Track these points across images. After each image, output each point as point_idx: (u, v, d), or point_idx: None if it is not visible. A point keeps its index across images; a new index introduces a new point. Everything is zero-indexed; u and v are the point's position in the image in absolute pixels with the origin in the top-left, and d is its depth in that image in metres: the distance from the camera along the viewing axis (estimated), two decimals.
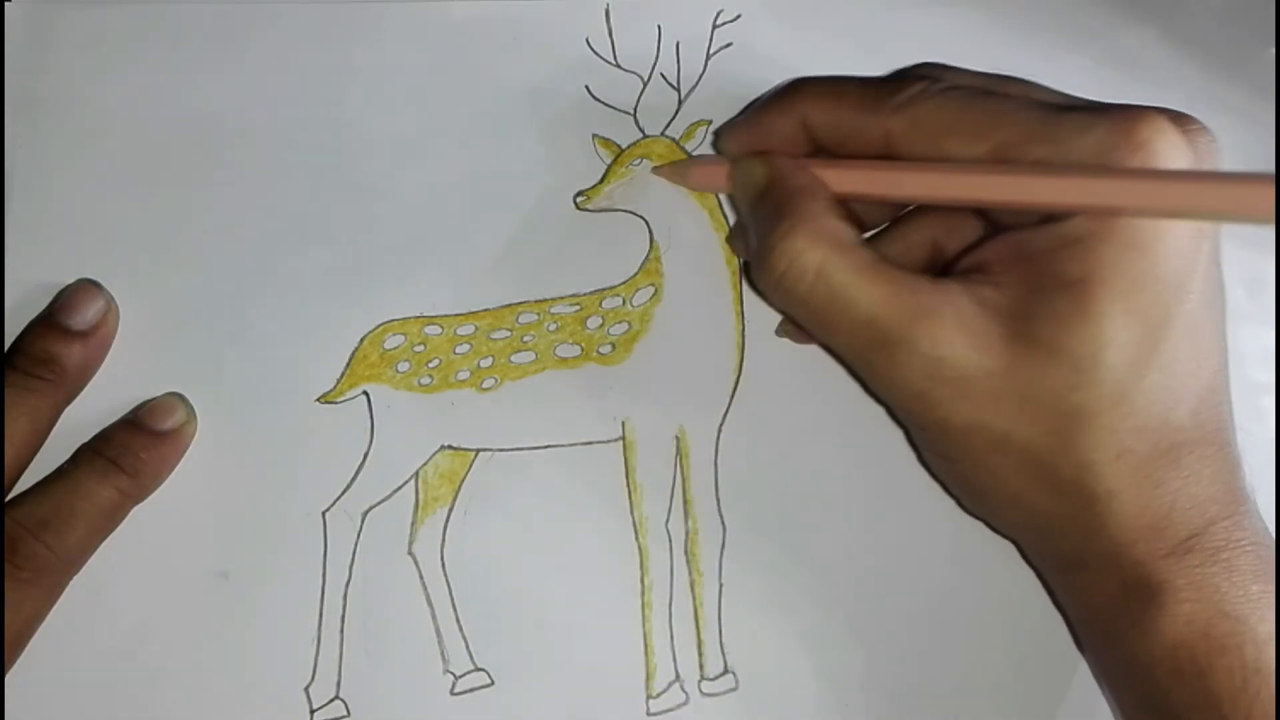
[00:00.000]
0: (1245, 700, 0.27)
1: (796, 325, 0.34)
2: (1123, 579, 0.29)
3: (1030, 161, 0.28)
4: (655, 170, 0.35)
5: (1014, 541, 0.33)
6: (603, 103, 0.36)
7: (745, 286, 0.35)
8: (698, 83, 0.36)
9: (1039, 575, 0.34)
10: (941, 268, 0.31)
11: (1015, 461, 0.29)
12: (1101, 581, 0.29)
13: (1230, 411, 0.30)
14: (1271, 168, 0.36)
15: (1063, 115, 0.28)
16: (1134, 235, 0.27)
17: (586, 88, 0.36)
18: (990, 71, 0.32)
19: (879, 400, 0.34)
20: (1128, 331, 0.27)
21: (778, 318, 0.35)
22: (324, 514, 0.34)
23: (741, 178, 0.32)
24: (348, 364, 0.35)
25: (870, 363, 0.29)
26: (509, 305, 0.35)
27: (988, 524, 0.33)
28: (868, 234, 0.34)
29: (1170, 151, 0.27)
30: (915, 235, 0.33)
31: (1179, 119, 0.28)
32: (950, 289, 0.29)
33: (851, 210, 0.31)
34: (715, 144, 0.35)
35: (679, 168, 0.35)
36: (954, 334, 0.28)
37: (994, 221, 0.31)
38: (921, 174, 0.30)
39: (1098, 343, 0.27)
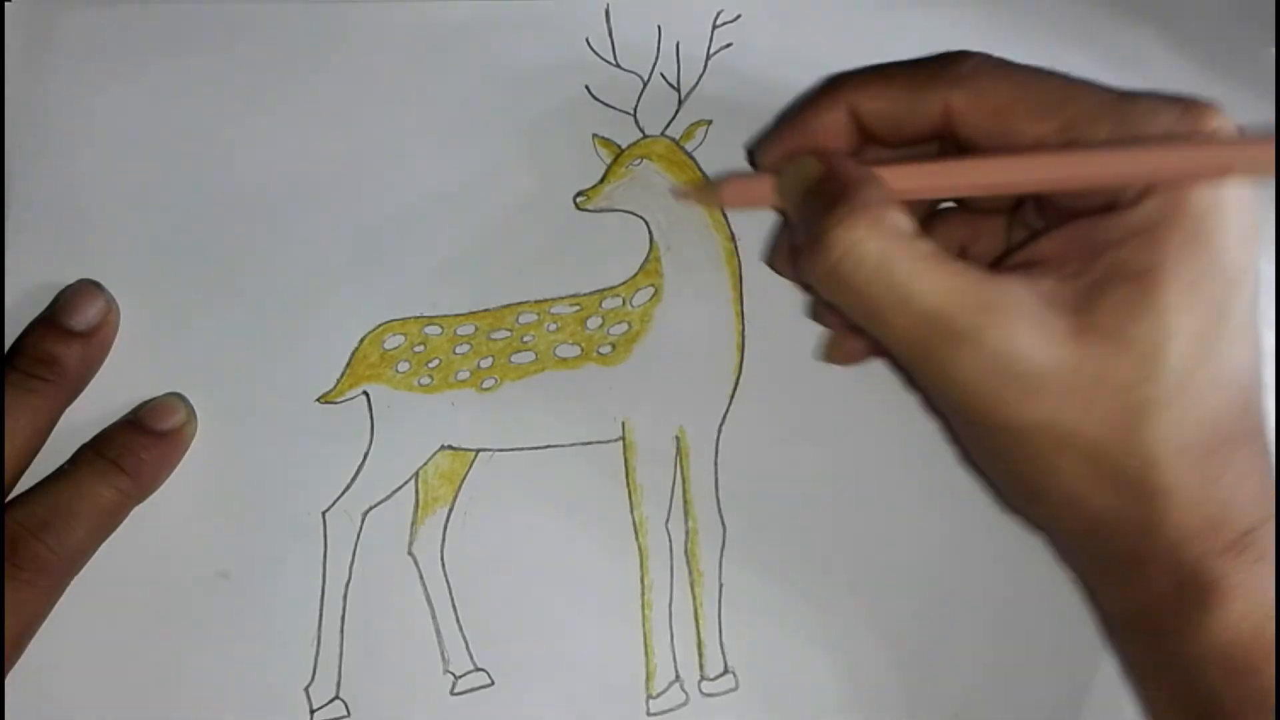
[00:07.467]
0: None
1: (852, 334, 0.33)
2: (1178, 577, 0.28)
3: (1102, 141, 0.28)
4: (676, 194, 0.35)
5: (1052, 541, 0.33)
6: (603, 103, 0.36)
7: (745, 287, 0.35)
8: (698, 83, 0.36)
9: (1077, 574, 0.33)
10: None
11: (1079, 458, 0.28)
12: (1155, 579, 0.29)
13: (1265, 409, 0.29)
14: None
15: (1131, 98, 0.28)
16: (1199, 226, 0.27)
17: (586, 88, 0.36)
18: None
19: (925, 395, 0.34)
20: (1191, 323, 0.27)
21: (778, 318, 0.35)
22: (324, 514, 0.34)
23: (793, 176, 0.31)
24: (348, 364, 0.35)
25: (931, 358, 0.28)
26: (509, 305, 0.35)
27: (1028, 523, 0.33)
28: None
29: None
30: (941, 239, 0.32)
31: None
32: (1012, 282, 0.28)
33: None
34: (752, 159, 0.35)
35: (708, 189, 0.34)
36: (1022, 328, 0.27)
37: (1041, 218, 0.31)
38: (990, 163, 0.29)
39: (1164, 333, 0.27)
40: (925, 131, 0.30)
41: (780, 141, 0.32)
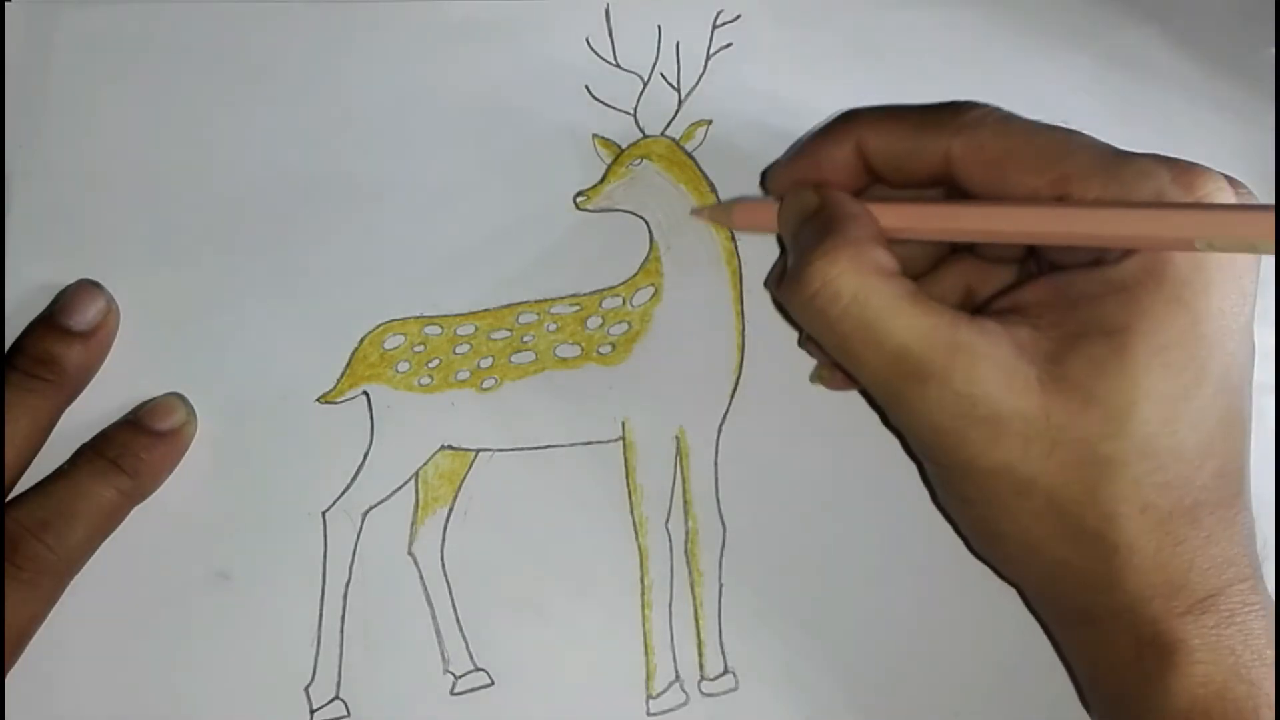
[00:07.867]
0: None
1: (834, 367, 0.34)
2: (1137, 636, 0.28)
3: (1091, 200, 0.28)
4: (694, 213, 0.35)
5: (1020, 590, 0.33)
6: (603, 103, 0.36)
7: (745, 287, 0.35)
8: (698, 83, 0.36)
9: (1044, 627, 0.33)
10: (973, 311, 0.30)
11: (1038, 508, 0.28)
12: (1114, 637, 0.29)
13: (1249, 476, 0.29)
14: (1272, 168, 0.36)
15: (1126, 158, 0.28)
16: (1180, 291, 0.27)
17: (586, 88, 0.36)
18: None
19: (899, 434, 0.34)
20: (1164, 386, 0.27)
21: (778, 318, 0.35)
22: (324, 514, 0.34)
23: (791, 206, 0.31)
24: (348, 364, 0.35)
25: (898, 395, 0.29)
26: (509, 305, 0.35)
27: (996, 571, 0.33)
28: None
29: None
30: (949, 280, 0.33)
31: (1232, 182, 0.28)
32: (987, 327, 0.28)
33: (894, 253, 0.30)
34: (764, 183, 0.35)
35: (721, 210, 0.35)
36: (989, 372, 0.27)
37: (1036, 266, 0.31)
38: (977, 210, 0.29)
39: (1133, 393, 0.27)
40: (926, 175, 0.30)
41: (790, 170, 0.33)
